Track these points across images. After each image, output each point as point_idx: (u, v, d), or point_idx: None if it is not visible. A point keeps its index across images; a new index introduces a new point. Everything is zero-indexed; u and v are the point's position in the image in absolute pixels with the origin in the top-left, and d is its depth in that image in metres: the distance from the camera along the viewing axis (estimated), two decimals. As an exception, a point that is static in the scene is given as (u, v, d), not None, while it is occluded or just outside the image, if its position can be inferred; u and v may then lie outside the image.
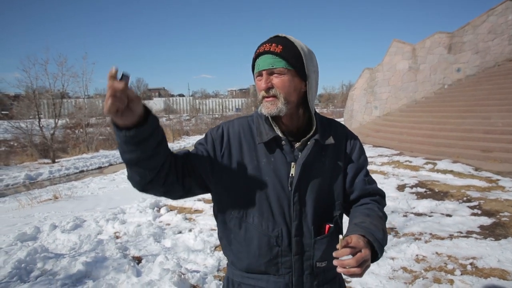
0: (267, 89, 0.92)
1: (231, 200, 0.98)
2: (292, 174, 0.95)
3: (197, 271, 2.87)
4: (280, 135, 0.97)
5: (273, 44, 0.92)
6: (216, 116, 36.91)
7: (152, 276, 2.77)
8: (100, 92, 37.44)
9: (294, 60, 0.92)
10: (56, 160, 12.62)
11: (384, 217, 1.02)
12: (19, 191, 7.62)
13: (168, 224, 4.31)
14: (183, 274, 2.70)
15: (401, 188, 5.24)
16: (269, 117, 0.96)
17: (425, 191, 4.95)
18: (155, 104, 49.03)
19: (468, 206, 4.12)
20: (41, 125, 13.55)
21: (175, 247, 3.52)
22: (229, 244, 1.01)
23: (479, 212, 3.91)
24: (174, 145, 17.24)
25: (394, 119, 12.12)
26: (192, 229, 3.92)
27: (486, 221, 3.61)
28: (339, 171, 1.03)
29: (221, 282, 2.71)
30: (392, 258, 2.90)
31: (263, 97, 0.93)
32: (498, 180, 5.15)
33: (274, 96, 0.92)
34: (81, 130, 16.61)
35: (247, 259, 0.97)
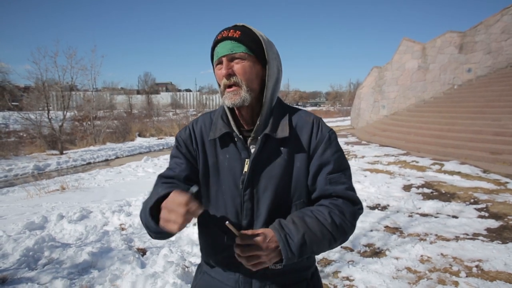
0: (228, 76, 0.88)
1: (201, 195, 0.98)
2: (245, 171, 0.91)
3: (201, 265, 2.89)
4: (235, 130, 0.93)
5: (231, 30, 0.89)
6: (223, 111, 36.84)
7: (156, 268, 2.80)
8: (108, 85, 37.75)
9: (254, 45, 0.89)
10: (64, 152, 12.79)
11: (330, 223, 0.84)
12: (27, 181, 7.74)
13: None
14: (187, 267, 2.73)
15: (407, 188, 5.20)
16: (228, 110, 0.95)
17: (432, 192, 4.91)
18: (162, 99, 49.24)
19: (475, 208, 4.07)
20: (50, 117, 13.72)
21: (179, 240, 3.55)
22: (199, 237, 1.05)
23: (486, 214, 3.86)
24: (180, 140, 17.31)
25: (402, 119, 11.99)
26: (196, 223, 3.94)
27: (493, 224, 3.56)
28: (300, 168, 0.92)
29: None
30: (396, 258, 2.89)
31: (225, 87, 0.89)
32: (507, 183, 5.07)
33: (236, 85, 0.88)
34: (88, 122, 16.80)
35: (206, 253, 1.01)
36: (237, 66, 0.88)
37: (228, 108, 0.95)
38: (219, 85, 0.93)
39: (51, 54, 13.99)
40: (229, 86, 0.89)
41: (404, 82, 13.47)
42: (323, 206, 0.89)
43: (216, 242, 0.95)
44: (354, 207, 0.91)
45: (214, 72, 0.95)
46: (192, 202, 0.71)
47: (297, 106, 1.09)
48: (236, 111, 0.95)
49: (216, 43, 0.91)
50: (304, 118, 0.95)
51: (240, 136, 0.93)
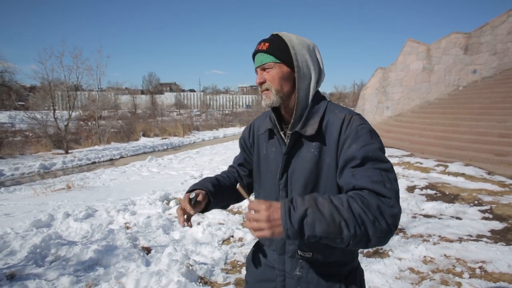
0: (260, 84, 1.02)
1: (254, 184, 1.19)
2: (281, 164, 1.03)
3: (205, 263, 2.93)
4: (277, 126, 1.05)
5: (262, 43, 1.01)
6: (226, 112, 37.02)
7: (160, 266, 2.83)
8: (112, 85, 37.99)
9: (280, 54, 0.98)
10: (69, 151, 12.91)
11: (346, 209, 0.79)
12: (34, 179, 7.84)
13: (177, 217, 4.38)
14: (191, 266, 2.76)
15: (410, 189, 5.19)
16: (272, 110, 1.07)
17: (435, 193, 4.90)
18: (166, 99, 49.44)
19: (479, 210, 4.06)
20: (55, 117, 13.85)
21: (183, 239, 3.59)
22: None
23: (491, 216, 3.85)
24: (184, 140, 17.40)
25: (406, 120, 11.95)
26: (200, 222, 3.98)
27: (498, 225, 3.55)
28: (330, 164, 0.95)
29: (228, 275, 2.76)
30: (399, 259, 2.90)
31: (261, 92, 1.03)
32: (512, 184, 5.05)
33: (267, 89, 1.00)
34: (93, 122, 16.92)
35: None
36: (267, 75, 1.01)
37: (273, 107, 1.06)
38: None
39: (57, 54, 14.07)
40: (263, 91, 1.02)
41: (409, 83, 13.42)
42: (344, 194, 0.86)
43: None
44: (382, 199, 0.82)
45: None
46: (187, 204, 1.01)
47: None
48: (281, 110, 1.06)
49: (253, 55, 1.05)
50: (336, 115, 0.98)
51: (281, 133, 1.05)
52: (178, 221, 1.05)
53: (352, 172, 0.88)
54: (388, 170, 0.88)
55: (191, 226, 1.08)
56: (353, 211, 0.79)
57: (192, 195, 1.02)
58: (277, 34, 1.03)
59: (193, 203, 1.02)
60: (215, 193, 1.11)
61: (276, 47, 0.99)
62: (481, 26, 11.59)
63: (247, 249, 3.21)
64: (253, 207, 0.82)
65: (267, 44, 1.00)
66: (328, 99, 1.06)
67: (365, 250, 3.13)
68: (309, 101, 1.01)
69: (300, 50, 0.99)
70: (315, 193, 0.88)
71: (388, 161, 0.90)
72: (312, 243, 0.96)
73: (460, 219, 3.83)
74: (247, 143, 1.20)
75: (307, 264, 1.01)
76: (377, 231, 0.79)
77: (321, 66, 1.05)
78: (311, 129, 0.97)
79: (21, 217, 4.43)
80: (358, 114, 0.98)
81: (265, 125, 1.10)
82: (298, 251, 1.01)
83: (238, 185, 0.93)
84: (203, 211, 1.11)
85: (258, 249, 1.18)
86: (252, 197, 0.91)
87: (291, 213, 0.79)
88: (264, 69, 1.01)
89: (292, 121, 1.01)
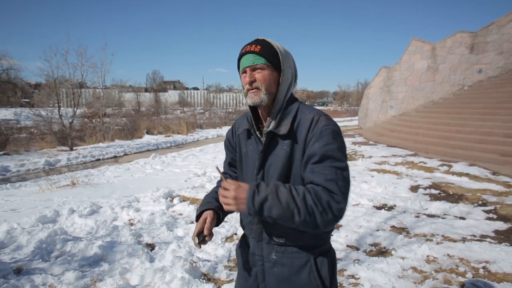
0: (251, 83, 1.08)
1: (238, 179, 1.26)
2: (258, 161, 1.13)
3: (208, 260, 2.95)
4: (254, 127, 1.15)
5: (253, 45, 1.08)
6: (230, 110, 37.03)
7: (164, 262, 2.86)
8: (116, 83, 38.15)
9: (272, 57, 1.08)
10: (74, 148, 13.00)
11: (300, 199, 0.94)
12: (39, 176, 7.92)
13: (181, 214, 4.41)
14: (195, 262, 2.78)
15: (414, 189, 5.18)
16: (250, 110, 1.16)
17: (439, 193, 4.88)
18: (170, 97, 49.54)
19: (483, 210, 4.04)
20: (60, 114, 13.95)
21: (187, 236, 3.61)
22: None
23: (495, 216, 3.84)
24: (188, 138, 17.45)
25: (410, 119, 11.89)
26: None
27: (502, 226, 3.54)
28: (298, 160, 1.06)
29: (231, 272, 2.78)
30: (402, 258, 2.90)
31: (248, 90, 1.09)
32: (516, 185, 5.02)
33: (257, 88, 1.07)
34: (98, 119, 17.02)
35: (240, 219, 1.28)
36: (258, 75, 1.08)
37: (251, 108, 1.16)
38: (243, 89, 1.14)
39: (62, 52, 14.17)
40: (252, 89, 1.09)
41: (413, 83, 13.34)
42: (303, 186, 1.00)
43: (245, 215, 1.19)
44: (333, 196, 0.95)
45: (240, 79, 1.15)
46: (196, 244, 1.13)
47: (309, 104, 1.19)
48: (260, 110, 1.14)
49: (241, 56, 1.11)
50: (306, 115, 1.07)
51: (257, 132, 1.14)
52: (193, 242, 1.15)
53: (311, 168, 1.01)
54: (343, 169, 1.00)
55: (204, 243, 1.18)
56: (306, 202, 0.94)
57: (197, 240, 1.12)
58: (264, 39, 1.11)
59: (201, 239, 1.13)
60: (220, 206, 1.18)
61: (268, 51, 1.08)
62: (487, 25, 11.48)
63: (250, 247, 3.22)
64: (225, 185, 1.01)
65: (259, 47, 1.08)
66: (300, 101, 1.16)
67: (368, 249, 3.13)
68: (284, 103, 1.11)
69: (285, 56, 1.10)
70: (279, 182, 1.02)
71: (344, 161, 1.02)
72: (284, 230, 1.08)
73: (464, 219, 3.82)
74: (232, 144, 1.29)
75: (281, 249, 1.12)
76: (324, 220, 0.95)
77: (296, 72, 1.16)
78: (284, 129, 1.06)
79: (27, 212, 4.48)
80: (326, 115, 1.08)
81: (243, 126, 1.19)
82: (273, 237, 1.12)
83: (216, 166, 1.16)
84: (218, 223, 1.23)
85: (243, 239, 1.30)
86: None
87: (255, 196, 0.96)
88: (254, 69, 1.08)
89: (268, 120, 1.11)
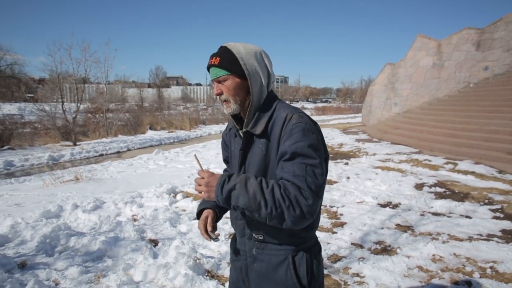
0: (218, 95, 1.12)
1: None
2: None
3: (212, 257, 2.93)
4: (236, 126, 1.19)
5: (213, 58, 1.11)
6: (232, 106, 36.84)
7: (168, 258, 2.85)
8: (120, 78, 38.17)
9: (231, 66, 1.08)
10: (77, 143, 13.04)
11: (268, 191, 0.97)
12: (43, 171, 7.95)
13: (184, 210, 4.40)
14: (198, 259, 2.77)
15: (419, 187, 5.13)
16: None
17: (444, 191, 4.83)
18: (173, 92, 49.52)
19: (490, 209, 3.99)
20: (64, 109, 13.98)
21: (190, 232, 3.60)
22: None
23: (502, 215, 3.79)
24: (191, 133, 17.45)
25: (415, 117, 11.79)
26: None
27: (509, 225, 3.49)
28: (273, 157, 1.09)
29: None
30: (408, 256, 2.87)
31: (221, 102, 1.14)
32: (523, 184, 4.95)
33: (226, 101, 1.11)
34: (101, 115, 17.05)
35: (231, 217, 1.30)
36: (223, 87, 1.11)
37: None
38: None
39: (66, 47, 14.19)
40: (222, 102, 1.13)
41: (418, 80, 13.21)
42: (275, 181, 1.02)
43: (232, 212, 1.24)
44: (301, 191, 0.96)
45: None
46: (206, 236, 1.17)
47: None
48: (240, 113, 1.17)
49: (208, 69, 1.15)
50: (281, 114, 1.08)
51: (240, 132, 1.17)
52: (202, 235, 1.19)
53: (281, 165, 1.03)
54: (314, 166, 1.00)
55: (217, 236, 1.20)
56: (274, 195, 0.96)
57: (213, 236, 1.17)
58: (225, 47, 1.11)
59: (214, 237, 1.17)
60: (216, 204, 1.25)
61: (227, 60, 1.08)
62: (494, 22, 11.31)
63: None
64: (200, 173, 1.07)
65: (218, 59, 1.09)
66: (279, 99, 1.16)
67: (373, 247, 3.11)
68: (260, 103, 1.12)
69: (248, 59, 1.09)
70: (250, 174, 1.05)
71: (316, 157, 1.01)
72: (263, 227, 1.12)
73: (470, 218, 3.78)
74: (226, 142, 1.34)
75: (261, 245, 1.15)
76: (291, 215, 0.95)
77: (270, 70, 1.15)
78: (259, 128, 1.09)
79: (31, 207, 4.49)
80: (300, 113, 1.07)
81: (230, 125, 1.26)
82: (253, 233, 1.15)
83: (194, 154, 1.29)
84: (217, 220, 1.27)
85: (234, 236, 1.34)
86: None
87: (224, 184, 1.00)
88: (219, 82, 1.11)
89: (245, 121, 1.13)
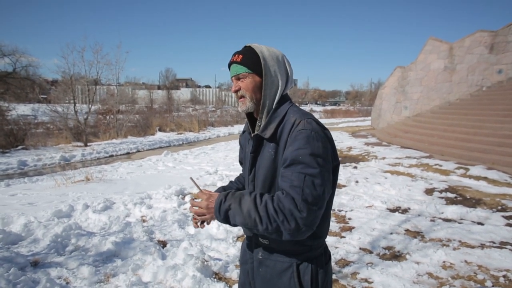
0: (236, 91, 1.14)
1: None
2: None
3: (220, 259, 2.94)
4: (250, 129, 1.21)
5: (236, 55, 1.13)
6: (241, 109, 36.95)
7: (176, 260, 2.88)
8: (130, 80, 38.69)
9: (252, 65, 1.10)
10: (88, 144, 13.26)
11: (262, 207, 0.97)
12: (55, 170, 8.10)
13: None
14: (206, 261, 2.78)
15: (429, 192, 5.06)
16: (247, 114, 1.20)
17: (455, 197, 4.75)
18: (182, 94, 49.95)
19: (503, 216, 3.91)
20: (76, 110, 14.24)
21: (198, 234, 3.62)
22: None
23: (515, 222, 3.70)
24: (200, 135, 17.56)
25: (425, 121, 11.63)
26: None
27: (522, 232, 3.41)
28: (280, 163, 1.07)
29: (242, 272, 2.76)
30: (417, 262, 2.83)
31: (237, 98, 1.15)
32: (538, 190, 4.83)
33: (243, 96, 1.13)
34: (111, 116, 17.29)
35: None
36: (241, 84, 1.12)
37: (248, 112, 1.19)
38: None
39: (79, 49, 14.45)
40: (239, 98, 1.14)
41: (429, 83, 13.03)
42: (269, 195, 1.02)
43: None
44: (296, 205, 0.94)
45: None
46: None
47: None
48: (254, 114, 1.19)
49: (228, 66, 1.17)
50: (290, 119, 1.08)
51: (252, 134, 1.18)
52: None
53: (282, 173, 1.02)
54: (313, 176, 0.96)
55: (203, 227, 1.22)
56: (268, 211, 0.96)
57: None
58: (250, 46, 1.14)
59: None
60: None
61: (249, 59, 1.10)
62: (508, 24, 11.09)
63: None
64: (199, 195, 1.10)
65: (241, 56, 1.11)
66: (292, 103, 1.15)
67: (382, 253, 3.07)
68: (273, 106, 1.12)
69: (269, 61, 1.11)
70: (246, 191, 1.07)
71: (316, 167, 0.97)
72: None
73: (482, 224, 3.70)
74: (242, 144, 1.35)
75: (266, 250, 1.15)
76: (287, 229, 0.95)
77: (289, 74, 1.16)
78: (269, 132, 1.09)
79: (43, 206, 4.58)
80: (308, 119, 1.05)
81: (245, 127, 1.28)
82: (259, 238, 1.15)
83: (190, 177, 1.25)
84: None
85: (245, 238, 1.34)
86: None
87: (221, 205, 1.03)
88: (238, 79, 1.13)
89: (257, 124, 1.15)
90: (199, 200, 1.10)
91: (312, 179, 0.96)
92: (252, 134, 1.16)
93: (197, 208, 1.09)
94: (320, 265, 1.13)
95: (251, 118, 1.21)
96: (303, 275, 1.09)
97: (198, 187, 1.17)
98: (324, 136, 1.04)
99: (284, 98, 1.15)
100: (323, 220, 1.09)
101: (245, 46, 1.16)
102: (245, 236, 1.34)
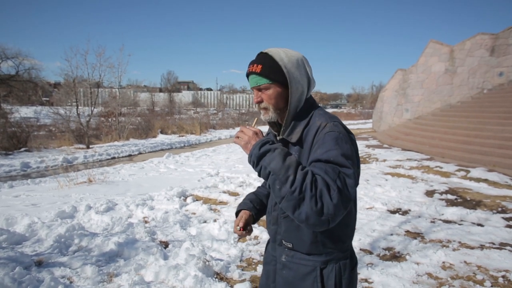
0: (258, 103, 1.12)
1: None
2: None
3: (221, 260, 2.97)
4: (274, 133, 1.21)
5: (254, 65, 1.09)
6: (243, 111, 37.14)
7: (178, 260, 2.91)
8: (132, 83, 38.87)
9: (274, 75, 1.07)
10: (90, 146, 13.32)
11: (301, 174, 0.91)
12: (57, 172, 8.14)
13: (194, 213, 4.47)
14: (208, 261, 2.81)
15: (429, 193, 5.07)
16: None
17: (456, 199, 4.77)
18: (184, 97, 50.12)
19: (503, 218, 3.92)
20: (78, 112, 14.33)
21: (200, 235, 3.65)
22: None
23: (515, 224, 3.72)
24: (201, 138, 17.62)
25: (426, 123, 11.64)
26: (216, 219, 4.05)
27: (522, 234, 3.43)
28: (305, 165, 1.05)
29: (243, 272, 2.79)
30: (417, 263, 2.85)
31: (259, 109, 1.14)
32: (538, 192, 4.84)
33: (265, 108, 1.12)
34: (113, 118, 17.37)
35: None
36: (264, 95, 1.11)
37: None
38: None
39: (82, 52, 14.57)
40: (261, 109, 1.14)
41: (430, 86, 13.06)
42: (310, 169, 0.96)
43: (267, 216, 1.28)
44: (329, 189, 0.89)
45: None
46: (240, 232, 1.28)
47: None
48: (278, 120, 1.17)
49: (247, 75, 1.14)
50: (315, 123, 1.07)
51: (277, 138, 1.19)
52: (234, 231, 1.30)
53: (313, 165, 0.97)
54: (347, 175, 0.94)
55: (245, 235, 1.29)
56: (306, 179, 0.90)
57: (238, 227, 1.29)
58: (266, 53, 1.09)
59: (246, 229, 1.30)
60: (254, 207, 1.34)
61: (269, 68, 1.07)
62: (509, 27, 11.12)
63: (262, 247, 3.23)
64: (251, 128, 1.06)
65: (260, 66, 1.07)
66: (317, 106, 1.15)
67: (382, 253, 3.09)
68: (297, 110, 1.11)
69: (290, 68, 1.07)
70: (294, 155, 1.04)
71: (350, 167, 0.95)
72: (292, 235, 1.12)
73: (482, 226, 3.72)
74: None
75: (290, 253, 1.14)
76: (308, 207, 0.87)
77: (310, 76, 1.13)
78: (295, 136, 1.09)
79: (47, 207, 4.63)
80: (334, 122, 1.05)
81: (268, 130, 1.27)
82: (283, 240, 1.16)
83: (256, 119, 1.27)
84: (254, 222, 1.34)
85: (269, 240, 1.35)
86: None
87: (266, 144, 0.98)
88: (259, 90, 1.10)
89: (282, 128, 1.13)
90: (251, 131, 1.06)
91: (345, 176, 0.93)
92: (278, 138, 1.16)
93: (239, 137, 1.05)
94: (345, 270, 1.10)
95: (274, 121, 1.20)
96: (327, 280, 1.07)
97: (253, 123, 1.17)
98: (350, 139, 1.03)
99: (308, 102, 1.13)
100: (345, 224, 1.07)
101: (262, 53, 1.11)
102: (268, 238, 1.34)
